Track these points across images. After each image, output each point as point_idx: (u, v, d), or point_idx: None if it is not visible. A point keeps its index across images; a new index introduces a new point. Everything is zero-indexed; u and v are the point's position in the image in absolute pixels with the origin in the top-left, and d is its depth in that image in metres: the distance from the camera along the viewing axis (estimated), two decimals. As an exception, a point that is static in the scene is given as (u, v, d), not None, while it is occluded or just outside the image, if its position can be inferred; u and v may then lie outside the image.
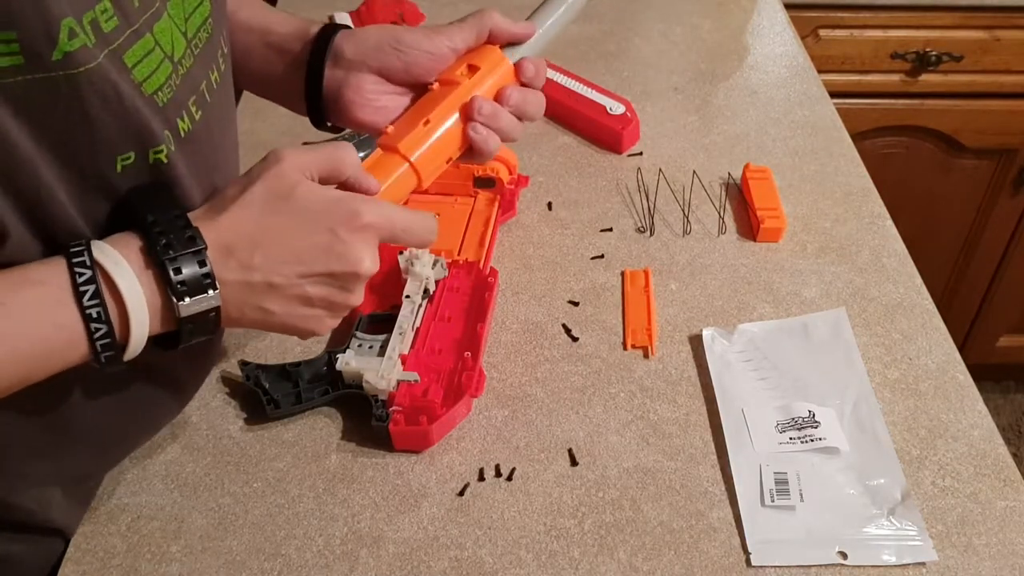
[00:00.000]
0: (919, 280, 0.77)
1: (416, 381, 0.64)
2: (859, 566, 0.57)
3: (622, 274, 0.78)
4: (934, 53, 1.34)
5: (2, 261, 0.45)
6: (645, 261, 0.79)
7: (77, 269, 0.44)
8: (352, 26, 1.07)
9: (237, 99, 0.66)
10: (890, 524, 0.59)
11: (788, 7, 1.18)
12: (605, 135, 0.92)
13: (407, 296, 0.70)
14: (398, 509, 0.61)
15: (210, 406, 0.67)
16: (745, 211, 0.84)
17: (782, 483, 0.61)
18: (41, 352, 0.44)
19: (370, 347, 0.67)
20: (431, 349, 0.68)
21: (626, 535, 0.59)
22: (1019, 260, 1.58)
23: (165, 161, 0.49)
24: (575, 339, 0.72)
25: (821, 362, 0.69)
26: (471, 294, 0.73)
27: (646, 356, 0.71)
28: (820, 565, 0.57)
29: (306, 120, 0.64)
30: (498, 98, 0.60)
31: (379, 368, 0.64)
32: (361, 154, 0.56)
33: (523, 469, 0.63)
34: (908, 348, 0.71)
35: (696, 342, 0.72)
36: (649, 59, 1.06)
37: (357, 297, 0.52)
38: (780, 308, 0.75)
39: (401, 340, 0.67)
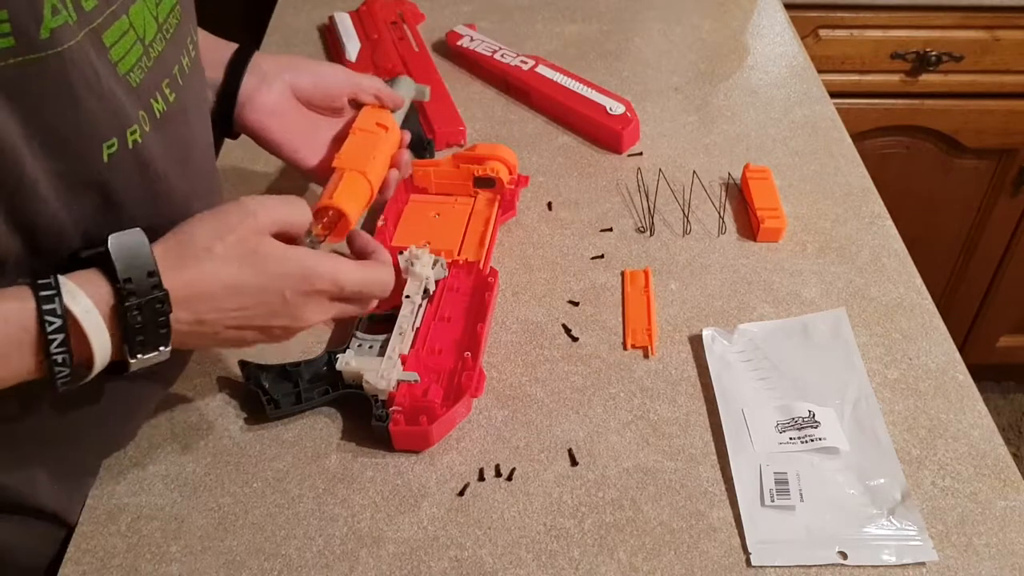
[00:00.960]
0: (919, 280, 0.77)
1: (416, 381, 0.64)
2: (859, 566, 0.57)
3: (622, 274, 0.78)
4: (934, 53, 1.34)
5: None
6: (645, 261, 0.79)
7: (47, 317, 0.45)
8: (352, 24, 1.07)
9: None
10: (890, 524, 0.59)
11: (788, 7, 1.18)
12: (605, 135, 0.92)
13: (407, 296, 0.70)
14: (398, 509, 0.61)
15: (210, 406, 0.67)
16: (745, 211, 0.84)
17: (782, 483, 0.61)
18: None
19: (370, 347, 0.67)
20: (431, 349, 0.68)
21: (626, 535, 0.59)
22: (1019, 260, 1.58)
23: (140, 141, 0.51)
24: (575, 339, 0.72)
25: (821, 362, 0.69)
26: (471, 294, 0.73)
27: (646, 356, 0.71)
28: (820, 565, 0.57)
29: None
30: (394, 160, 0.72)
31: (379, 368, 0.64)
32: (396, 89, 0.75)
33: (523, 469, 0.63)
34: (908, 348, 0.71)
35: (696, 342, 0.72)
36: (649, 59, 1.06)
37: (304, 323, 0.55)
38: (780, 308, 0.75)
39: (401, 340, 0.67)
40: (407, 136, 0.75)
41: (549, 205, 0.85)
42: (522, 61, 0.99)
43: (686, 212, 0.84)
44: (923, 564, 0.57)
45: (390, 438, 0.63)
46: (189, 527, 0.60)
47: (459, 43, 1.05)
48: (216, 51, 0.68)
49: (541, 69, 0.98)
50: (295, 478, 0.62)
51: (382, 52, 1.02)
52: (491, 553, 0.58)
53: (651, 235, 0.82)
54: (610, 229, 0.82)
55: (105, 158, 0.49)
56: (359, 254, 0.61)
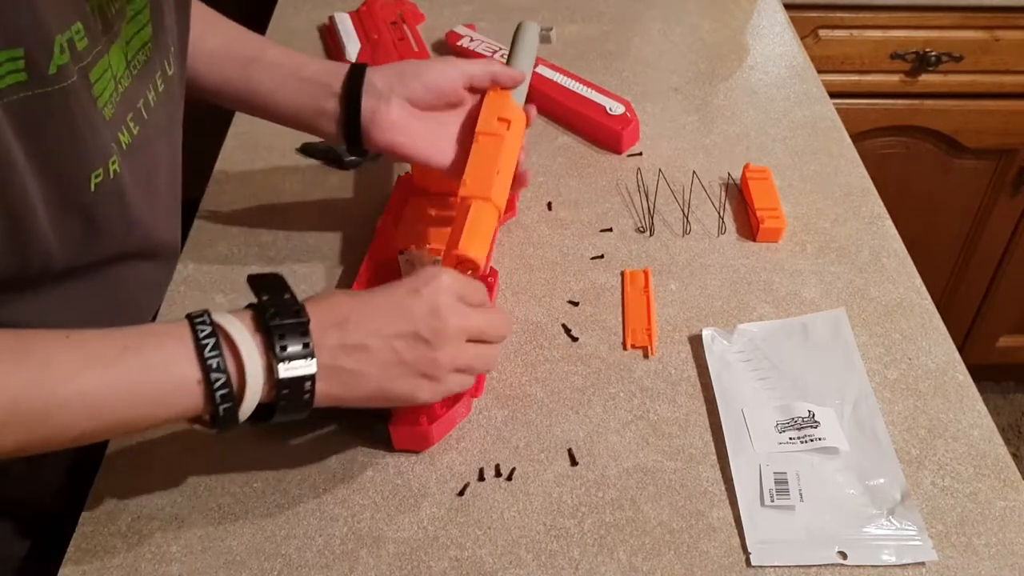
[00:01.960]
0: (919, 280, 0.77)
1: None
2: (859, 566, 0.57)
3: (622, 274, 0.78)
4: (934, 53, 1.34)
5: None
6: (645, 261, 0.79)
7: (199, 326, 0.48)
8: (352, 24, 1.07)
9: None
10: (890, 524, 0.59)
11: (788, 7, 1.18)
12: (605, 135, 0.92)
13: (407, 296, 0.70)
14: (398, 509, 0.61)
15: (210, 406, 0.67)
16: (745, 211, 0.84)
17: (782, 483, 0.61)
18: (157, 396, 0.47)
19: (370, 347, 0.67)
20: None
21: (626, 535, 0.59)
22: (1019, 260, 1.58)
23: (118, 171, 0.53)
24: (575, 339, 0.72)
25: (821, 362, 0.70)
26: (471, 294, 0.73)
27: (646, 356, 0.71)
28: (820, 565, 0.57)
29: None
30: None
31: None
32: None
33: (523, 469, 0.63)
34: (908, 348, 0.71)
35: (696, 342, 0.72)
36: (649, 59, 1.06)
37: (447, 356, 0.55)
38: (780, 308, 0.75)
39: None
40: (532, 113, 0.74)
41: (549, 205, 0.85)
42: (522, 61, 0.99)
43: (686, 212, 0.84)
44: (923, 564, 0.57)
45: (390, 438, 0.63)
46: (189, 527, 0.60)
47: (459, 43, 1.05)
48: (328, 77, 0.69)
49: (541, 69, 0.98)
50: (295, 478, 0.62)
51: (382, 52, 1.02)
52: (491, 553, 0.58)
53: (651, 235, 0.82)
54: (610, 229, 0.82)
55: (92, 186, 0.52)
56: None
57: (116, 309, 0.62)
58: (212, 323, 0.49)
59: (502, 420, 0.66)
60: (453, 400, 0.64)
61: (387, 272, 0.74)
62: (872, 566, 0.57)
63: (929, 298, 0.76)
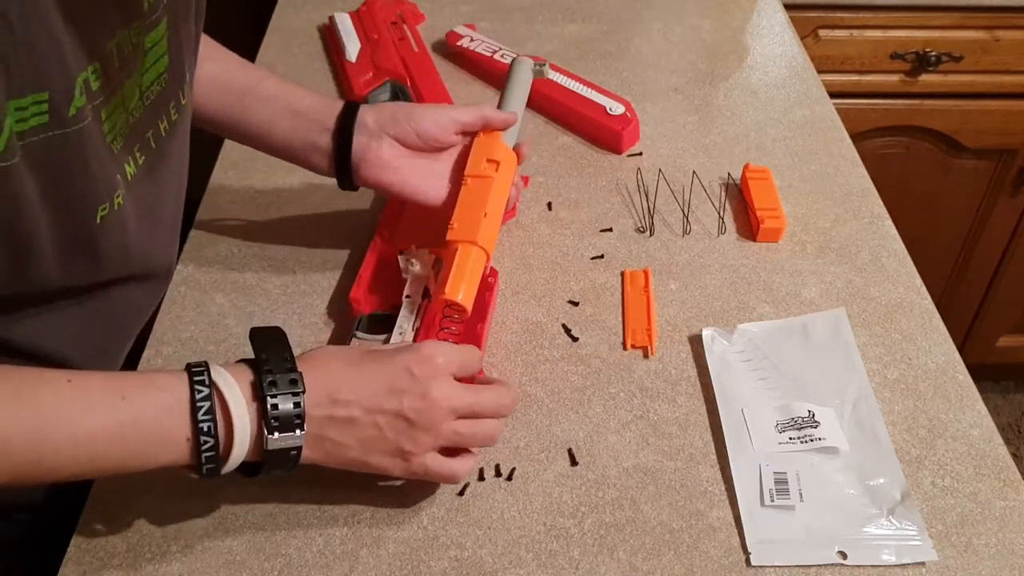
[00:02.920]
0: (919, 280, 0.77)
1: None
2: (859, 566, 0.57)
3: (622, 274, 0.78)
4: (934, 53, 1.34)
5: None
6: (645, 261, 0.79)
7: (197, 386, 0.49)
8: (352, 24, 1.07)
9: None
10: (890, 524, 0.59)
11: (788, 7, 1.18)
12: (605, 135, 0.92)
13: (407, 296, 0.70)
14: (398, 509, 0.61)
15: (210, 406, 0.67)
16: (745, 211, 0.84)
17: (782, 483, 0.61)
18: (148, 448, 0.49)
19: (370, 347, 0.67)
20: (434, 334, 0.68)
21: (626, 535, 0.59)
22: (1019, 260, 1.58)
23: (122, 204, 0.54)
24: (575, 339, 0.72)
25: (821, 362, 0.70)
26: (471, 294, 0.73)
27: (646, 356, 0.71)
28: (820, 565, 0.57)
29: None
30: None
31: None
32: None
33: (523, 469, 0.63)
34: (908, 348, 0.71)
35: (696, 342, 0.72)
36: (649, 59, 1.06)
37: (427, 437, 0.56)
38: (780, 308, 0.75)
39: (401, 340, 0.67)
40: (524, 151, 0.76)
41: (549, 205, 0.85)
42: (522, 61, 1.00)
43: (686, 212, 0.84)
44: (923, 564, 0.57)
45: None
46: (189, 527, 0.60)
47: (459, 43, 1.05)
48: (321, 114, 0.70)
49: (541, 69, 0.98)
50: (295, 478, 0.62)
51: (382, 52, 1.02)
52: (491, 553, 0.58)
53: (651, 235, 0.82)
54: (610, 229, 0.82)
55: (98, 220, 0.52)
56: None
57: (103, 328, 0.62)
58: (210, 383, 0.50)
59: (502, 420, 0.66)
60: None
61: (387, 272, 0.74)
62: (872, 566, 0.57)
63: (929, 298, 0.76)
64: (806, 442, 0.63)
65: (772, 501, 0.60)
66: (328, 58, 1.06)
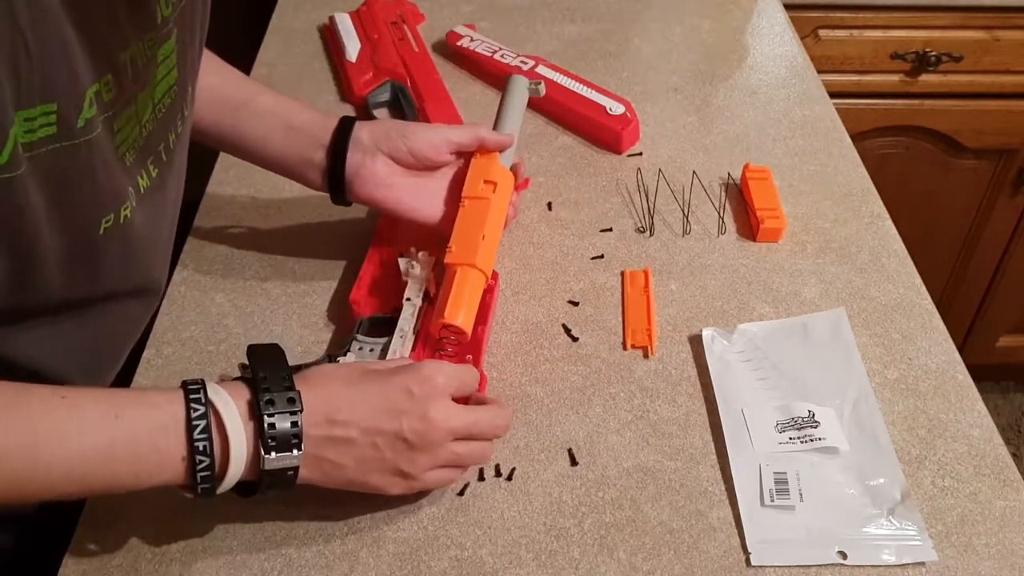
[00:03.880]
0: (919, 280, 0.77)
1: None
2: (859, 566, 0.57)
3: (622, 274, 0.78)
4: (934, 53, 1.34)
5: None
6: (645, 261, 0.79)
7: (193, 404, 0.49)
8: (352, 24, 1.07)
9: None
10: (890, 524, 0.59)
11: (788, 7, 1.18)
12: (605, 135, 0.92)
13: (407, 299, 0.70)
14: (398, 509, 0.61)
15: (210, 406, 0.67)
16: (745, 211, 0.84)
17: (782, 483, 0.61)
18: (143, 468, 0.49)
19: (371, 350, 0.67)
20: (432, 352, 0.68)
21: (626, 535, 0.59)
22: (1019, 260, 1.58)
23: (129, 217, 0.53)
24: (575, 339, 0.72)
25: (821, 362, 0.70)
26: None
27: (646, 356, 0.71)
28: (820, 565, 0.57)
29: None
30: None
31: (379, 368, 0.64)
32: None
33: (523, 469, 0.63)
34: (908, 348, 0.71)
35: (696, 342, 0.72)
36: (649, 59, 1.06)
37: (426, 458, 0.56)
38: (780, 308, 0.75)
39: (402, 343, 0.67)
40: (521, 171, 0.76)
41: (549, 205, 0.85)
42: (522, 61, 1.00)
43: (686, 212, 0.84)
44: (923, 564, 0.57)
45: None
46: (189, 527, 0.60)
47: (459, 43, 1.05)
48: (317, 129, 0.71)
49: (541, 69, 0.98)
50: (295, 478, 0.62)
51: (382, 52, 1.02)
52: (491, 553, 0.58)
53: (651, 235, 0.82)
54: (610, 229, 0.82)
55: (101, 231, 0.52)
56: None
57: (98, 341, 0.62)
58: (206, 401, 0.49)
59: (502, 420, 0.66)
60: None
61: (387, 273, 0.74)
62: (872, 566, 0.57)
63: (929, 298, 0.76)
64: (806, 442, 0.63)
65: (772, 501, 0.60)
66: (328, 58, 1.06)
